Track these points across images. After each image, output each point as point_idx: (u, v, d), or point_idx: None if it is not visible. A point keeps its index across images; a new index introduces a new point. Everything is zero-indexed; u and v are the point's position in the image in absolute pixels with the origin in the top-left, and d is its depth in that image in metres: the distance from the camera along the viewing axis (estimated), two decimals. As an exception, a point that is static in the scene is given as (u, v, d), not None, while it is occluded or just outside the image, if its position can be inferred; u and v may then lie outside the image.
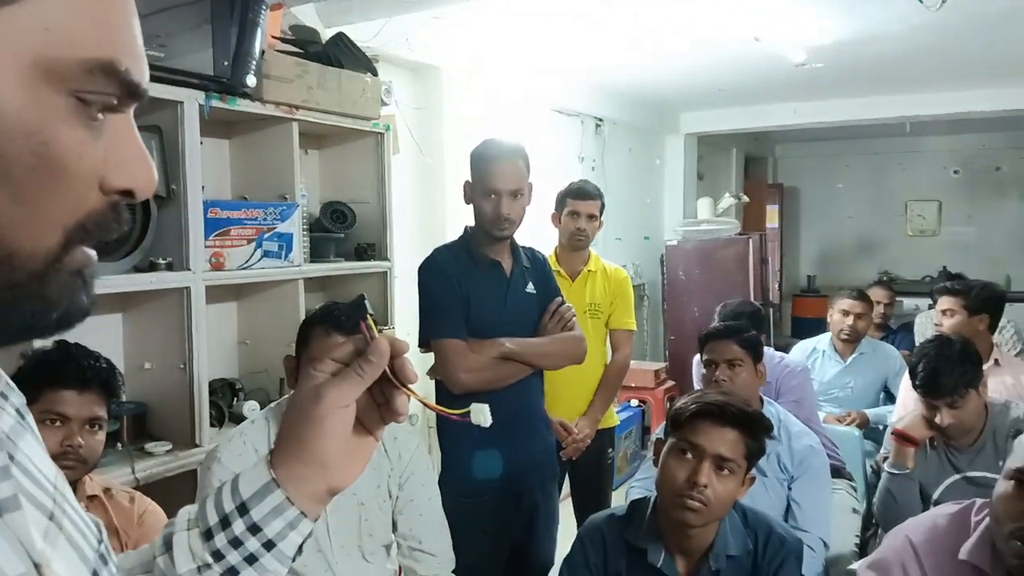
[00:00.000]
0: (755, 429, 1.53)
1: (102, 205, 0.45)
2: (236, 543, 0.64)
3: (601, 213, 2.90)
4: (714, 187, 6.69)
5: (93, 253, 0.47)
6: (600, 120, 5.32)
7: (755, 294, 5.74)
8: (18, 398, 0.57)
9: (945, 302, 3.26)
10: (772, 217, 7.82)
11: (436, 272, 2.11)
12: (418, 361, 2.35)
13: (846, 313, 3.74)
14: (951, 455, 2.29)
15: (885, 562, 1.48)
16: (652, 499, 1.62)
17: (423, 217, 3.55)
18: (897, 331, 4.72)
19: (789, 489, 2.33)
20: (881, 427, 3.51)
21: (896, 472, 2.27)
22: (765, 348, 3.14)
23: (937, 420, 2.21)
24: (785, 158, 8.65)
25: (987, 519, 1.38)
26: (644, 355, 6.11)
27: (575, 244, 2.89)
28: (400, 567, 1.89)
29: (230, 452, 1.69)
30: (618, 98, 5.37)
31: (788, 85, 5.09)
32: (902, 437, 2.27)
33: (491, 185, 2.05)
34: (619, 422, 3.28)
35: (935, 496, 2.21)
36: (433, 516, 1.86)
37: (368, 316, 0.68)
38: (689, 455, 1.51)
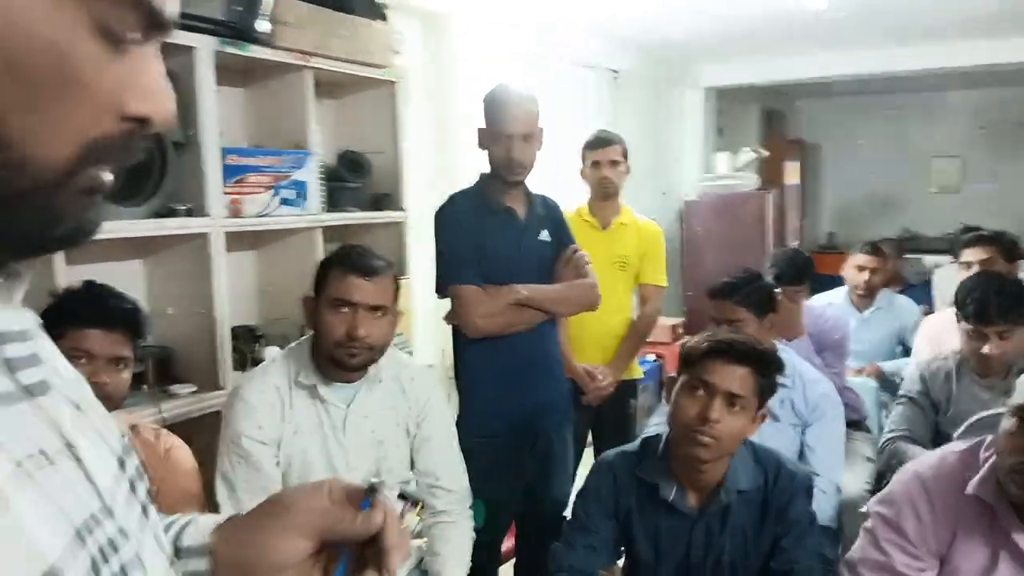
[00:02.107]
0: (766, 366, 1.54)
1: (118, 130, 0.46)
2: None
3: (626, 158, 2.91)
4: (733, 142, 6.61)
5: (108, 176, 0.48)
6: (616, 72, 5.25)
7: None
8: (33, 316, 0.58)
9: (982, 251, 3.19)
10: (792, 173, 7.71)
11: (451, 218, 2.13)
12: (435, 306, 2.40)
13: (861, 269, 3.73)
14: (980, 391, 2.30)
15: (894, 497, 1.50)
16: (664, 436, 1.65)
17: (438, 167, 3.55)
18: (915, 286, 4.70)
19: (803, 435, 2.36)
20: (897, 380, 3.52)
21: None
22: (805, 301, 3.12)
23: (985, 350, 2.21)
24: (806, 113, 8.51)
25: (993, 455, 1.40)
26: (664, 310, 6.11)
27: (603, 192, 2.91)
28: (421, 503, 1.93)
29: (251, 389, 1.73)
30: (635, 49, 5.29)
31: (809, 35, 4.99)
32: None
33: (502, 129, 2.06)
34: (643, 374, 3.30)
35: (956, 434, 2.22)
36: (450, 454, 1.90)
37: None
38: (700, 392, 1.53)
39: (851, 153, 8.24)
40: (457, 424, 2.15)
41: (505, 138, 2.06)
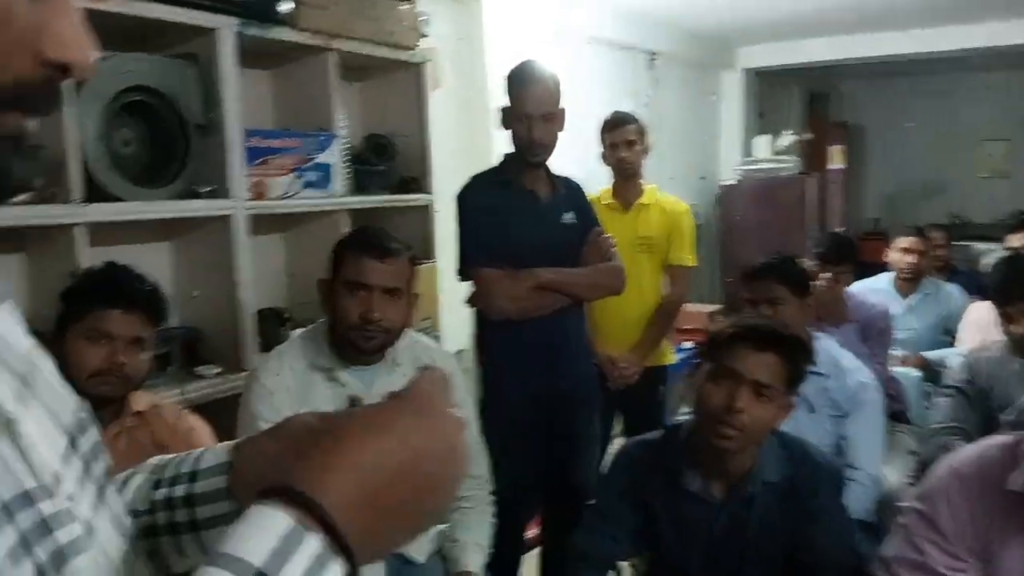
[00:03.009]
0: (794, 353, 1.47)
1: (36, 75, 0.45)
2: (169, 504, 0.64)
3: (643, 138, 2.84)
4: (775, 125, 6.45)
5: (30, 123, 0.47)
6: (654, 54, 5.15)
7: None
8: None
9: None
10: (836, 157, 7.52)
11: (471, 201, 2.10)
12: (457, 289, 2.36)
13: (906, 251, 3.62)
14: None
15: (931, 493, 1.42)
16: (687, 423, 1.59)
17: (466, 150, 3.51)
18: (963, 273, 4.54)
19: (840, 426, 2.28)
20: (941, 369, 3.40)
21: None
22: (848, 287, 3.03)
23: (1012, 330, 2.17)
24: (850, 95, 8.28)
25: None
26: (700, 296, 6.02)
27: (623, 173, 2.84)
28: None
29: (267, 371, 1.71)
30: (673, 30, 5.18)
31: (853, 14, 4.83)
32: None
33: (523, 109, 2.02)
34: (675, 360, 3.21)
35: (1005, 418, 2.13)
36: (471, 440, 1.87)
37: None
38: (726, 380, 1.46)
39: (897, 136, 8.00)
40: (480, 409, 2.12)
41: (525, 118, 2.01)
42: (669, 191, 5.36)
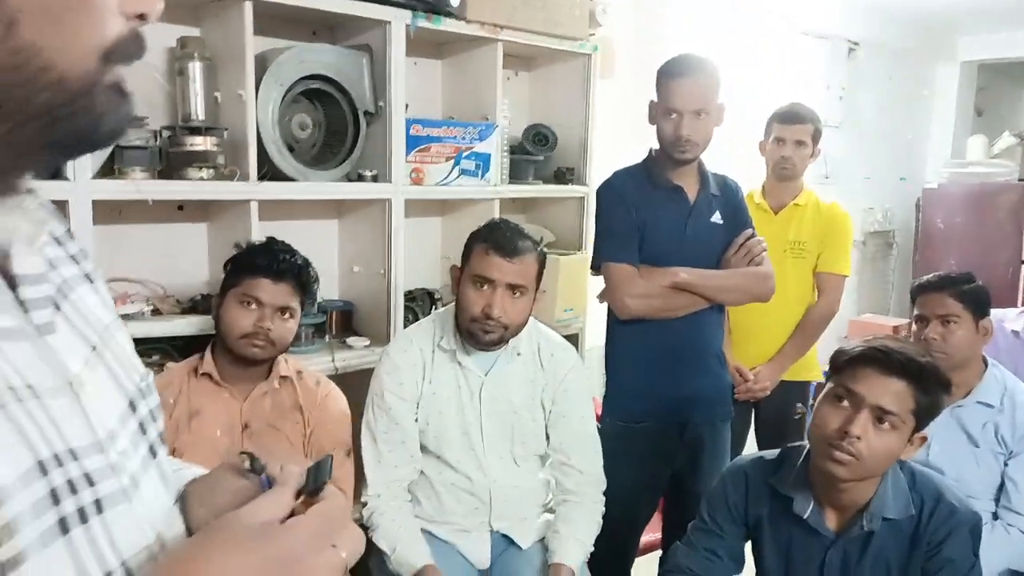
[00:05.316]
0: (927, 383, 1.34)
1: (125, 31, 0.53)
2: None
3: (816, 141, 2.61)
4: (994, 125, 5.79)
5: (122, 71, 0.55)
6: (855, 43, 4.80)
7: (1028, 250, 4.98)
8: (90, 264, 0.66)
9: None
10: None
11: (612, 194, 2.08)
12: (591, 283, 2.35)
13: None
14: None
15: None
16: (806, 446, 1.50)
17: (632, 144, 3.45)
18: None
19: (1005, 465, 2.05)
20: None
21: None
22: None
23: None
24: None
25: None
26: (886, 309, 5.58)
27: (780, 174, 2.63)
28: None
29: (397, 349, 1.83)
30: (878, 17, 4.79)
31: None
32: None
33: (671, 104, 1.95)
34: (822, 377, 2.99)
35: None
36: (585, 435, 1.88)
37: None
38: (845, 402, 1.37)
39: None
40: (603, 405, 2.12)
41: (674, 113, 1.95)
42: (864, 192, 5.04)
